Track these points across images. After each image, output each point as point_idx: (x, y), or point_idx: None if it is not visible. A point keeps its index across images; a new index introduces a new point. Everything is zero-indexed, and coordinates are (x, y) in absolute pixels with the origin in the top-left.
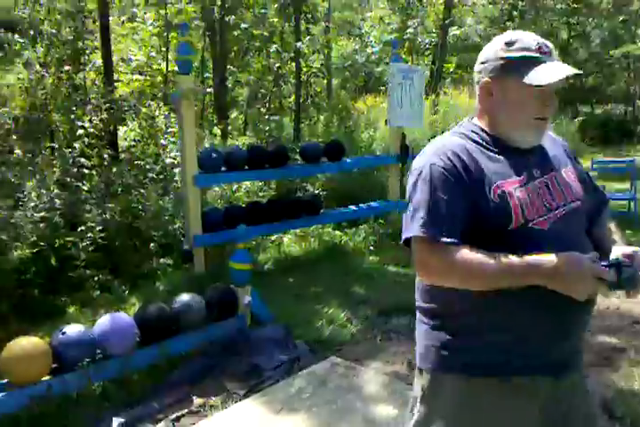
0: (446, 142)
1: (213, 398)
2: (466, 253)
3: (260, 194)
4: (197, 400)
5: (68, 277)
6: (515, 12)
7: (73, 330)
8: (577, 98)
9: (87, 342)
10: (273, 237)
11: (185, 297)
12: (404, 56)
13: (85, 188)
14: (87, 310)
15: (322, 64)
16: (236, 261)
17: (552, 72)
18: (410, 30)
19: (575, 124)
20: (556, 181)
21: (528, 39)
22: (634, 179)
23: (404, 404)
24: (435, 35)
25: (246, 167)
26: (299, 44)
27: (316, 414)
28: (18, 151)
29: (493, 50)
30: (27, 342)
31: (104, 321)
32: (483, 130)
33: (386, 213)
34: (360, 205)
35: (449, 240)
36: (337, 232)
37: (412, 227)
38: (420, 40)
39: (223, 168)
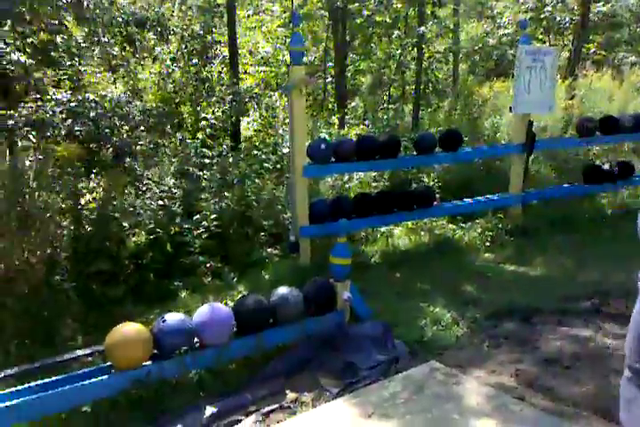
0: None
1: (306, 395)
2: None
3: (373, 184)
4: (290, 395)
5: (182, 263)
6: None
7: (173, 318)
8: None
9: (186, 331)
10: (383, 229)
11: (283, 290)
12: (540, 36)
13: (206, 177)
14: (197, 296)
15: (447, 48)
16: (336, 256)
17: None
18: (548, 8)
19: None
20: None
21: None
22: None
23: (506, 421)
24: (576, 12)
25: (355, 158)
26: (421, 28)
27: (408, 423)
28: (143, 142)
29: None
30: (130, 328)
31: (203, 311)
32: None
33: (506, 208)
34: (477, 197)
35: None
36: (451, 226)
37: None
38: (558, 18)
39: (332, 159)
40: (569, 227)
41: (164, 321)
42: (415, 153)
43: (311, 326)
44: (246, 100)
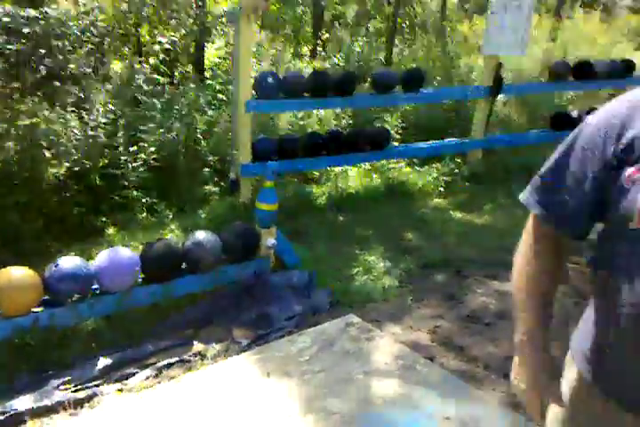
0: (630, 97)
1: (214, 346)
2: (535, 247)
3: (334, 122)
4: (197, 346)
5: (113, 198)
6: None
7: (68, 263)
8: None
9: (82, 277)
10: (338, 170)
11: (199, 235)
12: None
13: (158, 106)
14: (125, 233)
15: None
16: (262, 201)
17: None
18: None
19: None
20: None
21: None
22: None
23: (410, 382)
24: None
25: (307, 95)
26: None
27: (305, 382)
28: (84, 64)
29: None
30: (16, 272)
31: (104, 256)
32: None
33: (466, 152)
34: (435, 141)
35: (540, 213)
36: (407, 169)
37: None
38: None
39: (281, 94)
40: (527, 175)
41: (56, 266)
42: (374, 91)
43: (229, 273)
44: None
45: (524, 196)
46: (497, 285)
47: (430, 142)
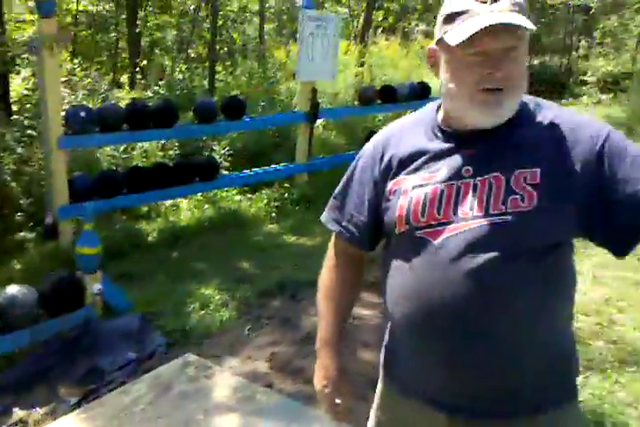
0: (398, 121)
1: (38, 410)
2: (335, 260)
3: (160, 153)
4: (18, 413)
5: None
6: None
7: None
8: None
9: None
10: (168, 203)
11: (11, 289)
12: (344, 0)
13: None
14: None
15: (244, 7)
16: (82, 245)
17: (469, 27)
18: None
19: None
20: (491, 185)
21: None
22: None
23: (252, 413)
24: None
25: (126, 126)
26: None
27: None
28: None
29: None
30: None
31: None
32: (439, 107)
33: (292, 177)
34: (263, 167)
35: (334, 229)
36: (238, 197)
37: None
38: None
39: (96, 128)
40: None
41: None
42: (196, 121)
43: (49, 328)
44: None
45: (324, 215)
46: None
47: (259, 169)
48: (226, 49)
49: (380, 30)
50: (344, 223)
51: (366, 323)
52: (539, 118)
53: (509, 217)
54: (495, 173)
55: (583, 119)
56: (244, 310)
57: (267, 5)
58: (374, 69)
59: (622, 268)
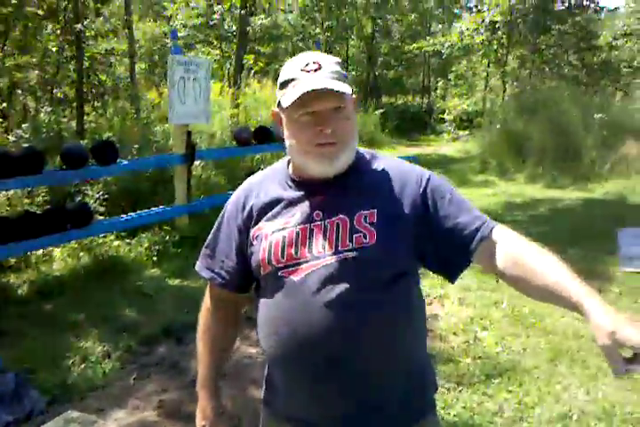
0: (258, 174)
1: None
2: (210, 304)
3: (27, 201)
4: None
5: None
6: (322, 3)
7: None
8: (382, 90)
9: None
10: (40, 253)
11: None
12: (215, 42)
13: None
14: None
15: (114, 48)
16: None
17: (297, 91)
18: (216, 16)
19: (377, 115)
20: (338, 226)
21: (300, 58)
22: None
23: None
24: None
25: None
26: (79, 25)
27: None
28: None
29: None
30: None
31: None
32: (290, 161)
33: (173, 219)
34: (142, 211)
35: (207, 276)
36: (116, 243)
37: None
38: (226, 27)
39: None
40: None
41: None
42: (65, 166)
43: None
44: None
45: (197, 263)
46: None
47: (137, 213)
48: (94, 90)
49: (252, 72)
50: (216, 270)
51: (255, 361)
52: (374, 167)
53: (355, 253)
54: (341, 215)
55: (409, 167)
56: (128, 360)
57: (137, 46)
58: (249, 111)
59: (483, 289)
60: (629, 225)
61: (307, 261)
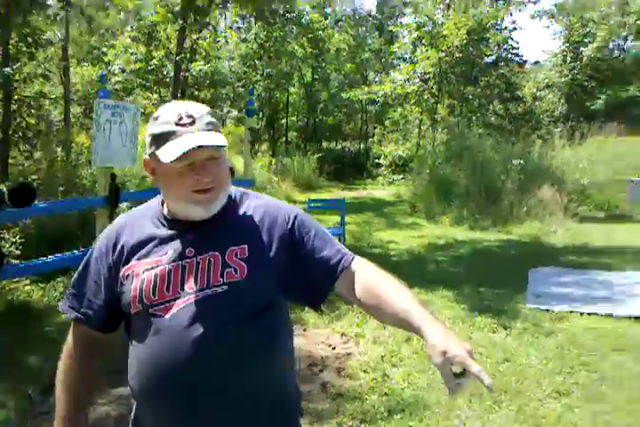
0: (128, 213)
1: None
2: (72, 346)
3: None
4: None
5: None
6: (262, 51)
7: None
8: (320, 135)
9: None
10: None
11: None
12: (154, 86)
13: None
14: None
15: (48, 92)
16: None
17: (178, 147)
18: (154, 61)
19: (314, 159)
20: (210, 262)
21: (171, 111)
22: (343, 216)
23: None
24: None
25: None
26: (7, 68)
27: None
28: None
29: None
30: None
31: None
32: (163, 201)
33: None
34: (56, 254)
35: (72, 316)
36: (28, 288)
37: None
38: (165, 72)
39: None
40: None
41: None
42: None
43: None
44: None
45: (61, 304)
46: (122, 390)
47: (55, 256)
48: (22, 133)
49: None
50: (82, 310)
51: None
52: (245, 205)
53: (227, 287)
54: (213, 252)
55: (279, 204)
56: (24, 408)
57: (74, 89)
58: None
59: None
60: (541, 265)
61: (178, 298)
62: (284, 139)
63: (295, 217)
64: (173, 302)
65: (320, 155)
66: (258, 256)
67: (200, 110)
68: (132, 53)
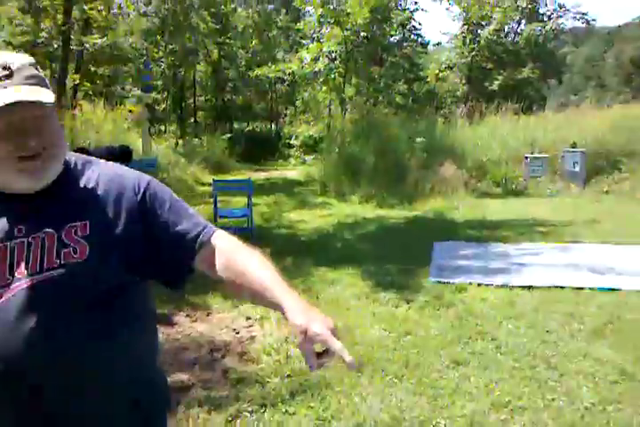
0: None
1: None
2: None
3: None
4: None
5: None
6: (163, 26)
7: None
8: (230, 115)
9: None
10: None
11: None
12: (44, 61)
13: None
14: None
15: None
16: None
17: None
18: (43, 34)
19: (224, 140)
20: (44, 241)
21: None
22: (250, 197)
23: None
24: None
25: None
26: None
27: None
28: None
29: None
30: None
31: None
32: None
33: None
34: None
35: None
36: None
37: None
38: (56, 46)
39: None
40: None
41: None
42: None
43: None
44: None
45: None
46: None
47: None
48: None
49: (77, 93)
50: None
51: None
52: (87, 174)
53: (64, 270)
54: (47, 230)
55: (126, 172)
56: None
57: None
58: (79, 133)
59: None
60: (444, 239)
61: (8, 284)
62: (193, 119)
63: (146, 187)
64: (3, 289)
65: (230, 135)
66: (101, 233)
67: (20, 61)
68: (17, 25)
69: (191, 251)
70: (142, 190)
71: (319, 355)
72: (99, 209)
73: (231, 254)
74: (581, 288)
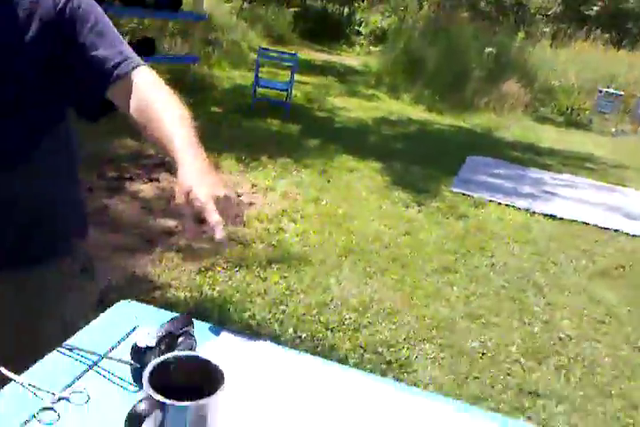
0: None
1: None
2: None
3: None
4: None
5: None
6: None
7: None
8: None
9: None
10: None
11: None
12: None
13: None
14: None
15: None
16: None
17: None
18: None
19: (289, 13)
20: None
21: None
22: (293, 72)
23: None
24: None
25: None
26: None
27: None
28: None
29: None
30: None
31: None
32: None
33: None
34: None
35: None
36: None
37: None
38: None
39: None
40: None
41: None
42: None
43: None
44: None
45: None
46: None
47: None
48: None
49: None
50: None
51: None
52: None
53: None
54: None
55: None
56: None
57: None
58: None
59: (310, 186)
60: (483, 155)
61: None
62: None
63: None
64: None
65: (297, 9)
66: (6, 51)
67: None
68: None
69: (106, 80)
70: (62, 3)
71: (202, 222)
72: (4, 22)
73: (147, 94)
74: (607, 228)
